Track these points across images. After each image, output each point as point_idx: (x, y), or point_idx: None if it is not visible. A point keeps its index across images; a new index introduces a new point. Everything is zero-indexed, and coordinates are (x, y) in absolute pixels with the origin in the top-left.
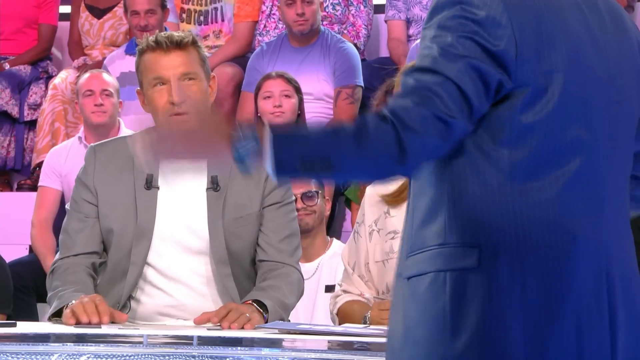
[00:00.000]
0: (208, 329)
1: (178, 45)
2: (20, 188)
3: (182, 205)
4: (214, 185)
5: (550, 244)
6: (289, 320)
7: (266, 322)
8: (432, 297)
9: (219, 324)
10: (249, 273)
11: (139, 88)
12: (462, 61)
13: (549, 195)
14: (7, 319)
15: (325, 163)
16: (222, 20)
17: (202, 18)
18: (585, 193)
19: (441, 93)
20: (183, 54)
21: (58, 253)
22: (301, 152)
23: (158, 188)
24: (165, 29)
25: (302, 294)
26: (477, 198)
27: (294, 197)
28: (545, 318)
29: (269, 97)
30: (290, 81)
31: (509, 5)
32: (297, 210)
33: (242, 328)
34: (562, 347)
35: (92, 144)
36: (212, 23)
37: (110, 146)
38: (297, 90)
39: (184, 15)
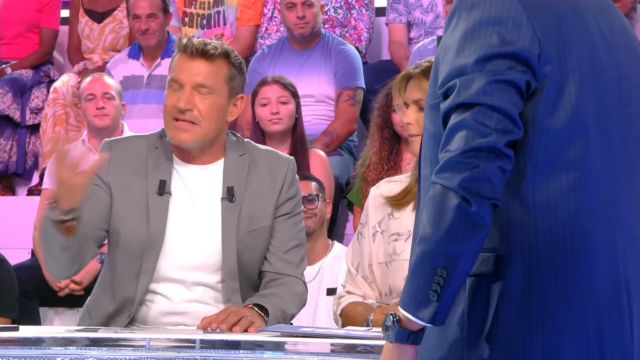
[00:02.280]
0: (211, 332)
1: (203, 54)
2: (31, 194)
3: (195, 214)
4: (229, 196)
5: (569, 246)
6: (291, 324)
7: (267, 325)
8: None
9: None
10: (255, 285)
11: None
12: (494, 78)
13: (566, 197)
14: (11, 324)
15: (442, 272)
16: (224, 24)
17: (204, 22)
18: (600, 196)
19: (478, 125)
20: (207, 65)
21: None
22: (428, 285)
23: (170, 194)
24: (168, 33)
25: (303, 305)
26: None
27: (302, 208)
28: (566, 323)
29: (265, 104)
30: (286, 86)
31: (527, 7)
32: None
33: (245, 331)
34: (584, 353)
35: (107, 139)
36: (214, 27)
37: (126, 144)
38: (294, 94)
39: (187, 19)
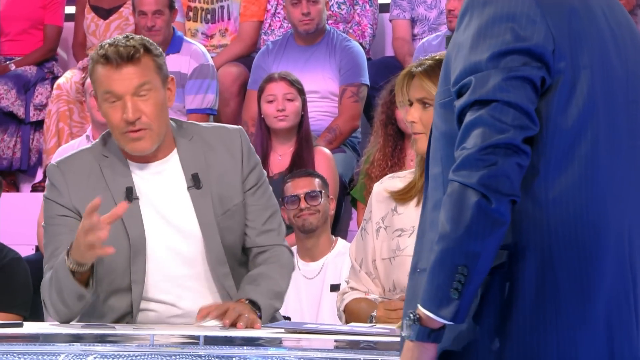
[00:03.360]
0: (214, 329)
1: (129, 59)
2: (35, 190)
3: (167, 210)
4: (195, 183)
5: (581, 243)
6: (285, 318)
7: (260, 319)
8: None
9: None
10: (241, 260)
11: (93, 95)
12: (509, 75)
13: (577, 193)
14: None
15: (462, 270)
16: (229, 18)
17: (209, 16)
18: (609, 191)
19: (495, 121)
20: (135, 67)
21: (45, 271)
22: (449, 283)
23: (138, 199)
24: (173, 29)
25: (292, 271)
26: None
27: (265, 174)
28: (579, 320)
29: (272, 100)
30: (293, 83)
31: (540, 3)
32: (301, 210)
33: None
34: (595, 349)
35: (52, 163)
36: (218, 21)
37: (74, 162)
38: (301, 91)
39: (191, 14)
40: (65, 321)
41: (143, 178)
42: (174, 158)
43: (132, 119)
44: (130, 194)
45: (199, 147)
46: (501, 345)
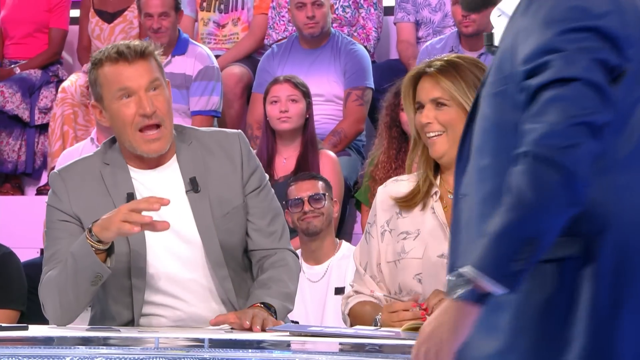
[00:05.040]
0: (219, 332)
1: (142, 55)
2: (40, 193)
3: (167, 216)
4: (193, 186)
5: None
6: (297, 322)
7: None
8: (535, 288)
9: (231, 328)
10: (243, 264)
11: (93, 102)
12: (591, 56)
13: None
14: (21, 316)
15: (531, 242)
16: (242, 8)
17: (222, 6)
18: None
19: (579, 99)
20: (146, 63)
21: (44, 273)
22: (509, 258)
23: None
24: (179, 31)
25: (299, 273)
26: None
27: (267, 177)
28: None
29: (275, 101)
30: (297, 85)
31: None
32: (305, 212)
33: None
34: None
35: (54, 171)
36: (231, 11)
37: (76, 170)
38: (305, 94)
39: (205, 4)
40: (65, 320)
41: (143, 184)
42: (174, 163)
43: (150, 112)
44: (131, 200)
45: (197, 151)
46: (574, 332)
